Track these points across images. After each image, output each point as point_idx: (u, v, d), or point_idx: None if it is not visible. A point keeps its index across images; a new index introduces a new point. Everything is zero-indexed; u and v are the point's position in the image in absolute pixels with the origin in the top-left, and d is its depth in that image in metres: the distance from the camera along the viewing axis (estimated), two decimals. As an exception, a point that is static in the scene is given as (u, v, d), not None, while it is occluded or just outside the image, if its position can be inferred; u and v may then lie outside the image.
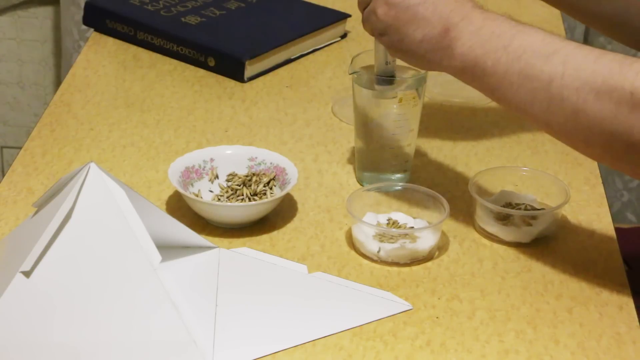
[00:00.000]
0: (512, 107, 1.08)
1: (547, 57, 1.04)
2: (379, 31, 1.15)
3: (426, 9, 1.11)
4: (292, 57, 1.58)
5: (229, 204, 1.20)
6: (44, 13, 2.44)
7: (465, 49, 1.09)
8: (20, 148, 1.36)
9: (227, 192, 1.23)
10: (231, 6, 1.66)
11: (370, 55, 1.24)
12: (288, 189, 1.20)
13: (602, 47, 1.15)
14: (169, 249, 1.08)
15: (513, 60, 1.06)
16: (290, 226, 1.21)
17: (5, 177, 1.28)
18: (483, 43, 1.08)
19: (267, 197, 1.21)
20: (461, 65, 1.10)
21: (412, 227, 1.18)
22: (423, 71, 1.23)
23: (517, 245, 1.18)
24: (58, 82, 2.45)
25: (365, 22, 1.17)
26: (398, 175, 1.28)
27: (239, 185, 1.23)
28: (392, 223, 1.19)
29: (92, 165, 1.00)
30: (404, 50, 1.13)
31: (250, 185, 1.23)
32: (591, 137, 1.03)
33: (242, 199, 1.22)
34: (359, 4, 1.18)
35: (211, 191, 1.23)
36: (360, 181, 1.29)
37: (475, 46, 1.08)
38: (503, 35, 1.08)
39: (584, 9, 1.33)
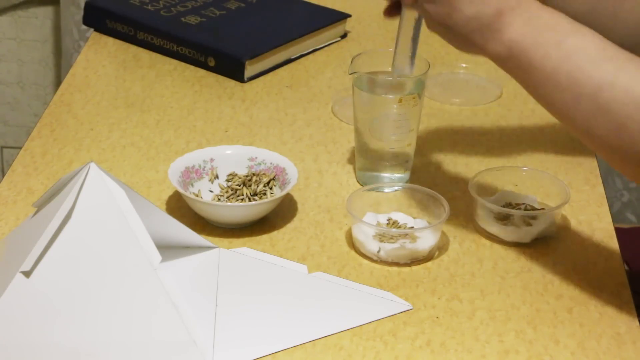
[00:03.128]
0: (553, 109, 1.04)
1: (599, 64, 1.00)
2: None
3: None
4: (292, 57, 1.58)
5: (229, 204, 1.20)
6: (44, 13, 2.44)
7: (515, 35, 1.04)
8: (20, 148, 1.36)
9: (227, 192, 1.23)
10: (231, 6, 1.66)
11: (370, 56, 1.24)
12: (288, 189, 1.20)
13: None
14: (169, 249, 1.08)
15: (563, 58, 1.01)
16: (290, 226, 1.21)
17: (5, 177, 1.28)
18: (536, 33, 1.03)
19: (267, 197, 1.21)
20: (507, 53, 1.05)
21: (412, 227, 1.18)
22: (422, 73, 1.22)
23: (517, 245, 1.18)
24: (58, 82, 2.45)
25: None
26: (398, 175, 1.28)
27: (239, 185, 1.23)
28: (392, 223, 1.19)
29: (92, 165, 1.00)
30: (449, 25, 1.07)
31: (250, 185, 1.23)
32: (630, 155, 1.00)
33: (242, 199, 1.22)
34: None
35: (211, 191, 1.23)
36: (360, 181, 1.29)
37: (527, 35, 1.03)
38: (558, 30, 1.03)
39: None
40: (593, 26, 1.08)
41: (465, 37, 1.07)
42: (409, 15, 1.15)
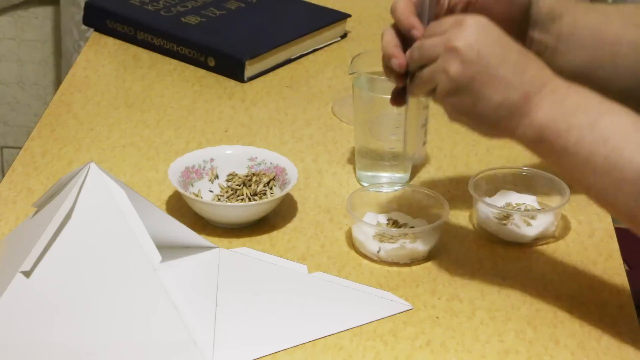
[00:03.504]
0: (590, 194, 1.00)
1: (638, 145, 0.96)
2: (448, 91, 1.01)
3: (507, 70, 0.99)
4: (292, 57, 1.58)
5: (229, 204, 1.20)
6: (44, 13, 2.44)
7: (546, 119, 0.99)
8: (20, 148, 1.36)
9: (227, 192, 1.23)
10: (231, 6, 1.66)
11: (370, 56, 1.24)
12: (288, 189, 1.20)
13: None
14: (169, 249, 1.08)
15: (599, 142, 0.97)
16: (290, 226, 1.21)
17: (5, 177, 1.28)
18: (567, 116, 0.98)
19: (267, 197, 1.21)
20: (538, 137, 1.00)
21: (412, 227, 1.18)
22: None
23: (517, 245, 1.18)
24: (58, 82, 2.45)
25: (426, 81, 1.03)
26: (398, 175, 1.28)
27: (239, 185, 1.23)
28: (392, 223, 1.19)
29: (92, 165, 1.00)
30: (475, 115, 1.01)
31: (250, 185, 1.23)
32: None
33: (242, 199, 1.22)
34: (413, 61, 1.04)
35: (211, 191, 1.23)
36: (360, 181, 1.29)
37: (558, 118, 0.98)
38: (590, 111, 0.98)
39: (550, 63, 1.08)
40: (596, 75, 1.05)
41: (495, 125, 1.01)
42: (417, 102, 1.10)
